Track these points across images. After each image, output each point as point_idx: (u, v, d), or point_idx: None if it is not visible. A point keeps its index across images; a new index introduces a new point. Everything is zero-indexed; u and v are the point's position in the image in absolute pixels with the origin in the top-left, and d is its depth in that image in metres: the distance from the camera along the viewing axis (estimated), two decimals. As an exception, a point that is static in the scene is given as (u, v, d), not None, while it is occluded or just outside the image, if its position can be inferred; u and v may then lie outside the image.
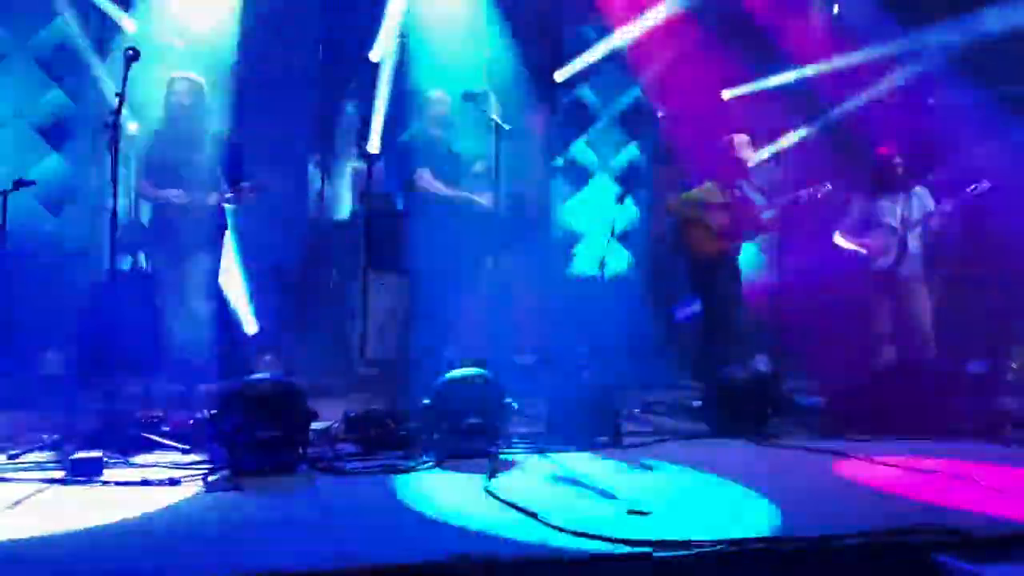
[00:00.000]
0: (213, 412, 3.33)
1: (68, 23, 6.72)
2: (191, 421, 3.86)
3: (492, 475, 3.18)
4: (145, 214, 5.91)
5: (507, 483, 3.12)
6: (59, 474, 3.11)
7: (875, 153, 6.18)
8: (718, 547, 2.30)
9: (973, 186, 5.85)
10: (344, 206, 7.83)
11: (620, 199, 5.79)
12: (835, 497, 3.14)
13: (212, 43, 7.22)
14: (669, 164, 8.51)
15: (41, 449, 3.51)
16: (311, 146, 7.79)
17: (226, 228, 5.08)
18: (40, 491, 2.92)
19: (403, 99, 7.63)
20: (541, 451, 3.83)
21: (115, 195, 3.89)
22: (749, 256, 6.22)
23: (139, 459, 3.42)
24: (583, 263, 7.94)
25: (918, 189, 6.09)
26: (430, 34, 7.26)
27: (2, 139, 6.69)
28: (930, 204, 6.01)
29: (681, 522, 2.62)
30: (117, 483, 3.04)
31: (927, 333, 5.93)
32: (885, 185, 6.06)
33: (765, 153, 8.04)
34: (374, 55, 7.66)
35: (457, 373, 3.82)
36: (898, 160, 6.04)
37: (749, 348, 6.05)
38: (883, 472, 3.50)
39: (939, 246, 6.04)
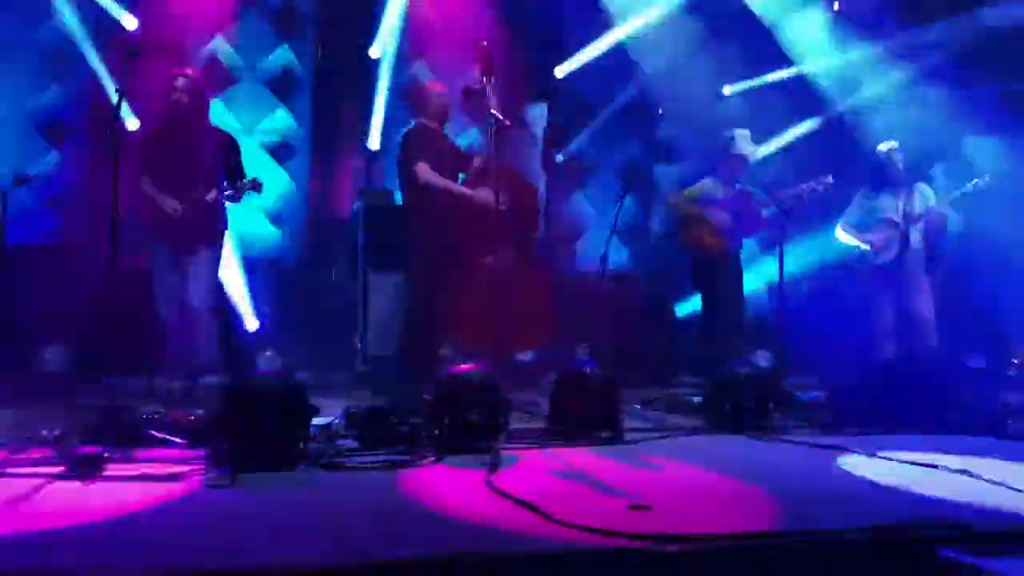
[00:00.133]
0: (214, 408, 3.32)
1: (68, 20, 6.73)
2: (192, 417, 3.85)
3: (493, 470, 3.17)
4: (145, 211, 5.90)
5: (508, 478, 3.12)
6: (60, 469, 3.10)
7: (876, 148, 6.18)
8: (719, 541, 2.30)
9: (974, 180, 5.85)
10: (344, 203, 7.84)
11: (621, 195, 5.77)
12: (836, 492, 3.14)
13: (212, 39, 7.23)
14: (669, 161, 8.52)
15: (42, 444, 3.50)
16: (311, 143, 7.79)
17: (226, 224, 5.08)
18: (41, 486, 2.91)
19: (403, 95, 7.65)
20: (542, 446, 3.83)
21: (114, 192, 3.89)
22: (750, 252, 6.22)
23: (140, 454, 3.41)
24: (584, 259, 7.95)
25: (919, 184, 6.09)
26: (430, 30, 7.27)
27: (2, 136, 6.69)
28: (931, 199, 6.01)
29: (682, 517, 2.62)
30: (118, 478, 3.03)
31: (929, 328, 5.93)
32: (886, 180, 6.06)
33: (767, 149, 8.04)
34: (374, 51, 7.66)
35: (458, 369, 3.81)
36: (899, 155, 6.04)
37: (750, 343, 6.06)
38: (885, 467, 3.50)
39: (940, 241, 6.03)
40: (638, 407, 5.14)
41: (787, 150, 8.21)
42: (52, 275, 5.90)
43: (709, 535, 2.33)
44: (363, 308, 6.13)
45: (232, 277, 6.54)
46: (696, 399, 4.95)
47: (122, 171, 3.98)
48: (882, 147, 6.12)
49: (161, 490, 2.89)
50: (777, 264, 5.37)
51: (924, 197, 6.02)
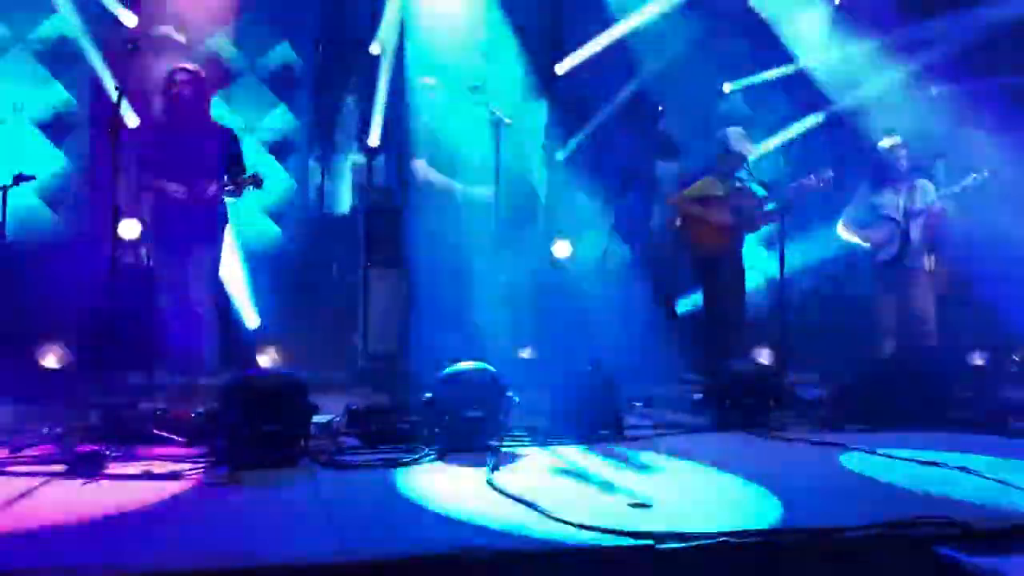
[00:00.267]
0: (214, 406, 3.32)
1: (67, 17, 6.72)
2: (192, 415, 3.85)
3: (494, 468, 3.18)
4: (146, 207, 5.90)
5: (509, 476, 3.12)
6: (60, 467, 3.10)
7: (877, 144, 6.17)
8: (719, 539, 2.30)
9: (974, 176, 5.84)
10: (344, 200, 7.84)
11: (621, 192, 5.77)
12: (836, 489, 3.14)
13: (211, 36, 7.23)
14: (670, 157, 8.51)
15: (42, 442, 3.51)
16: (311, 140, 7.79)
17: (227, 221, 5.07)
18: (42, 484, 2.91)
19: (403, 93, 7.64)
20: (543, 444, 3.83)
21: (115, 189, 3.89)
22: (751, 249, 6.22)
23: (140, 452, 3.42)
24: (584, 256, 7.94)
25: (920, 180, 6.08)
26: (429, 27, 7.25)
27: (2, 134, 6.69)
28: (932, 195, 6.00)
29: (682, 514, 2.62)
30: (118, 476, 3.03)
31: (930, 325, 5.92)
32: (888, 176, 6.05)
33: (768, 146, 8.04)
34: (374, 49, 7.65)
35: (458, 366, 3.81)
36: (901, 152, 6.03)
37: (750, 341, 6.06)
38: (885, 464, 3.50)
39: (941, 237, 6.03)
40: (639, 404, 5.15)
41: (788, 147, 8.21)
42: (52, 273, 5.89)
43: (709, 533, 2.33)
44: (364, 305, 6.13)
45: (233, 274, 6.54)
46: (697, 396, 4.95)
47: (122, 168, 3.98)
48: (883, 143, 6.11)
49: (162, 488, 2.89)
50: (777, 261, 5.37)
51: (925, 193, 6.01)
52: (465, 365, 3.82)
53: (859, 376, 5.00)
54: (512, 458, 3.53)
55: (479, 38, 7.16)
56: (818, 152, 7.80)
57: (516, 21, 7.50)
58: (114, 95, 3.95)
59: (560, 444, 3.84)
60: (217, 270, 5.04)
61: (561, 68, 8.11)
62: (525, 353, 6.48)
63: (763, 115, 8.42)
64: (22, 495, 2.77)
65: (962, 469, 3.26)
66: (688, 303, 7.07)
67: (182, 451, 3.47)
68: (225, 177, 4.81)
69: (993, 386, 5.93)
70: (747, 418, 4.37)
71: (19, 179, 5.27)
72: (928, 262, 5.98)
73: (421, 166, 5.15)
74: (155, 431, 3.64)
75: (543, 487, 2.95)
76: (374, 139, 7.63)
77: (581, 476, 3.24)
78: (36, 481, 2.95)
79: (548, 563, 2.24)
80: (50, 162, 6.85)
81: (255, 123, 7.59)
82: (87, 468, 3.06)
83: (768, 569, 2.32)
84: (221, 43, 7.42)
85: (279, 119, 7.71)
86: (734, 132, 5.86)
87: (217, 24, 7.34)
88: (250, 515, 2.64)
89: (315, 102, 7.80)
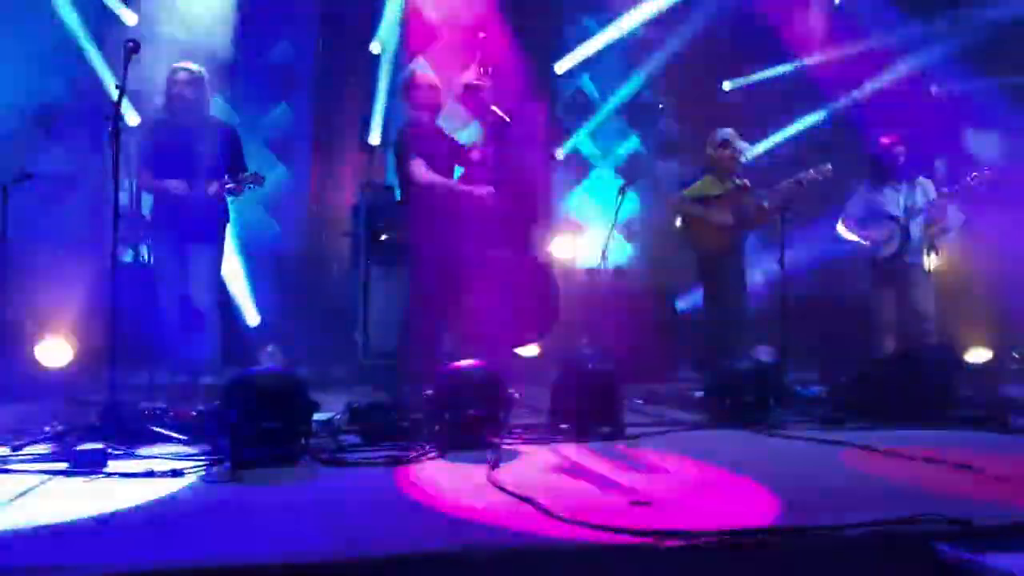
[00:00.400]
0: (215, 404, 3.33)
1: (67, 15, 6.72)
2: (194, 412, 3.86)
3: (494, 465, 3.18)
4: (146, 205, 5.91)
5: (509, 473, 3.12)
6: (62, 465, 3.11)
7: (878, 143, 6.17)
8: (719, 537, 2.31)
9: (975, 174, 5.84)
10: (345, 197, 7.84)
11: (621, 190, 5.77)
12: (836, 487, 3.14)
13: (212, 34, 7.22)
14: (669, 156, 8.51)
15: (44, 441, 3.51)
16: (312, 138, 7.79)
17: (227, 219, 5.08)
18: (43, 483, 2.92)
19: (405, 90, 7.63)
20: (543, 441, 3.84)
21: (116, 187, 3.89)
22: (752, 246, 6.22)
23: (142, 450, 3.42)
24: (585, 254, 7.95)
25: (921, 179, 6.08)
26: (429, 24, 7.25)
27: (2, 131, 6.69)
28: (932, 193, 6.00)
29: (683, 512, 2.62)
30: (120, 475, 3.04)
31: (930, 322, 5.93)
32: (888, 175, 6.06)
33: (767, 144, 8.04)
34: (374, 47, 7.65)
35: (459, 364, 3.82)
36: (901, 149, 6.03)
37: (751, 338, 6.05)
38: (884, 461, 3.50)
39: (941, 235, 6.03)
40: (639, 402, 5.15)
41: (788, 145, 8.21)
42: (53, 270, 5.90)
43: (709, 531, 2.33)
44: (364, 303, 6.14)
45: (233, 272, 6.54)
46: (697, 394, 4.96)
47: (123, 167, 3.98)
48: (883, 141, 6.11)
49: (163, 486, 2.90)
50: (778, 259, 5.37)
51: (925, 191, 6.01)
52: (465, 363, 3.82)
53: (859, 374, 5.01)
54: (512, 455, 3.53)
55: (479, 35, 7.15)
56: (818, 150, 7.79)
57: (516, 20, 7.50)
58: (114, 94, 3.94)
59: (560, 442, 3.84)
60: (218, 268, 5.05)
61: (562, 66, 8.11)
62: (525, 351, 6.48)
63: (763, 113, 8.42)
64: (23, 493, 2.78)
65: (962, 466, 3.26)
66: (689, 301, 7.07)
67: (183, 449, 3.47)
68: (226, 175, 4.81)
69: (993, 383, 5.94)
70: (748, 415, 4.37)
71: (19, 177, 5.28)
72: (928, 260, 5.98)
73: (419, 165, 5.13)
74: (156, 429, 3.64)
75: (543, 484, 2.95)
76: (374, 137, 7.63)
77: (581, 473, 3.25)
78: (37, 479, 2.96)
79: (548, 560, 2.24)
80: (51, 161, 6.85)
81: (256, 121, 7.59)
82: (88, 466, 3.07)
83: (768, 567, 2.32)
84: (222, 41, 7.41)
85: (280, 117, 7.71)
86: (727, 132, 5.86)
87: (218, 22, 7.33)
88: (251, 513, 2.65)
89: (316, 100, 7.80)
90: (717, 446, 3.87)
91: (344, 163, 7.80)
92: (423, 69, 7.56)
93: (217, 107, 5.62)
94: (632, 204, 8.23)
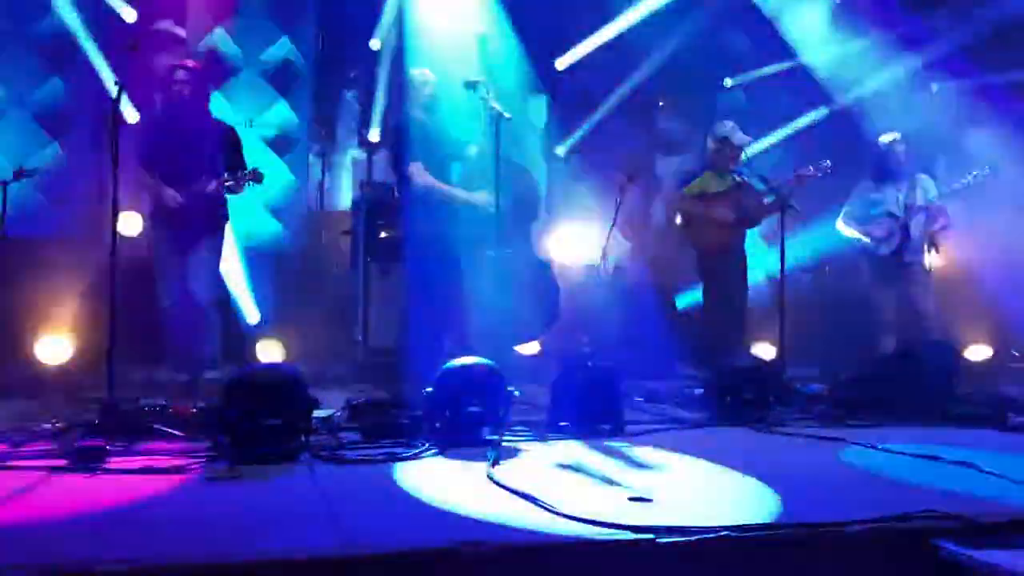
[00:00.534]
0: (215, 401, 3.33)
1: (67, 13, 6.71)
2: (193, 409, 3.86)
3: (494, 462, 3.18)
4: (145, 203, 5.90)
5: (509, 471, 3.12)
6: (62, 462, 3.11)
7: (878, 140, 6.17)
8: (719, 534, 2.31)
9: (975, 172, 5.84)
10: (344, 195, 7.83)
11: (621, 188, 5.76)
12: (836, 484, 3.15)
13: (212, 31, 7.22)
14: (669, 153, 8.51)
15: (44, 437, 3.51)
16: (311, 135, 7.78)
17: (227, 217, 5.07)
18: (43, 479, 2.92)
19: (402, 88, 7.63)
20: (543, 439, 3.84)
21: (115, 184, 3.89)
22: (752, 243, 6.21)
23: (142, 447, 3.42)
24: (585, 252, 7.94)
25: (920, 176, 6.07)
26: (429, 22, 7.24)
27: (2, 129, 6.69)
28: (933, 191, 6.00)
29: (682, 509, 2.62)
30: (120, 471, 3.04)
31: (930, 320, 5.92)
32: (888, 172, 6.05)
33: (768, 141, 8.03)
34: (374, 44, 7.64)
35: (459, 361, 3.82)
36: (901, 147, 6.03)
37: (751, 336, 6.05)
38: (884, 459, 3.50)
39: (941, 232, 6.02)
40: (639, 400, 5.15)
41: (789, 142, 8.20)
42: (52, 267, 5.89)
43: (709, 528, 2.33)
44: (364, 300, 6.13)
45: (233, 270, 6.54)
46: (697, 392, 4.95)
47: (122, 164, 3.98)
48: (883, 139, 6.11)
49: (163, 483, 2.90)
50: (778, 256, 5.37)
51: (925, 189, 6.01)
52: (465, 360, 3.82)
53: (859, 371, 5.01)
54: (512, 453, 3.54)
55: (479, 32, 7.15)
56: (818, 148, 7.78)
57: (516, 16, 7.49)
58: (114, 91, 3.94)
59: (560, 439, 3.84)
60: (217, 265, 5.04)
61: (562, 63, 8.10)
62: (525, 348, 6.48)
63: (764, 110, 8.40)
64: (23, 490, 2.78)
65: (962, 463, 3.27)
66: (689, 298, 7.07)
67: (183, 446, 3.47)
68: (225, 173, 4.80)
69: (993, 381, 5.94)
70: (748, 413, 4.37)
71: (19, 174, 5.28)
72: (928, 258, 5.98)
73: (418, 169, 5.11)
74: (156, 426, 3.64)
75: (543, 482, 2.95)
76: (374, 134, 7.62)
77: (581, 471, 3.25)
78: (37, 476, 2.96)
79: (548, 557, 2.24)
80: (50, 157, 6.85)
81: (255, 118, 7.58)
82: (88, 463, 3.07)
83: (768, 564, 2.33)
84: (221, 38, 7.41)
85: (279, 114, 7.70)
86: (727, 126, 5.84)
87: (217, 19, 7.33)
88: (250, 509, 2.65)
89: (315, 97, 7.79)
90: (717, 444, 3.87)
91: (344, 160, 7.79)
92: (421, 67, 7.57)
93: (216, 104, 5.61)
94: (632, 202, 8.21)
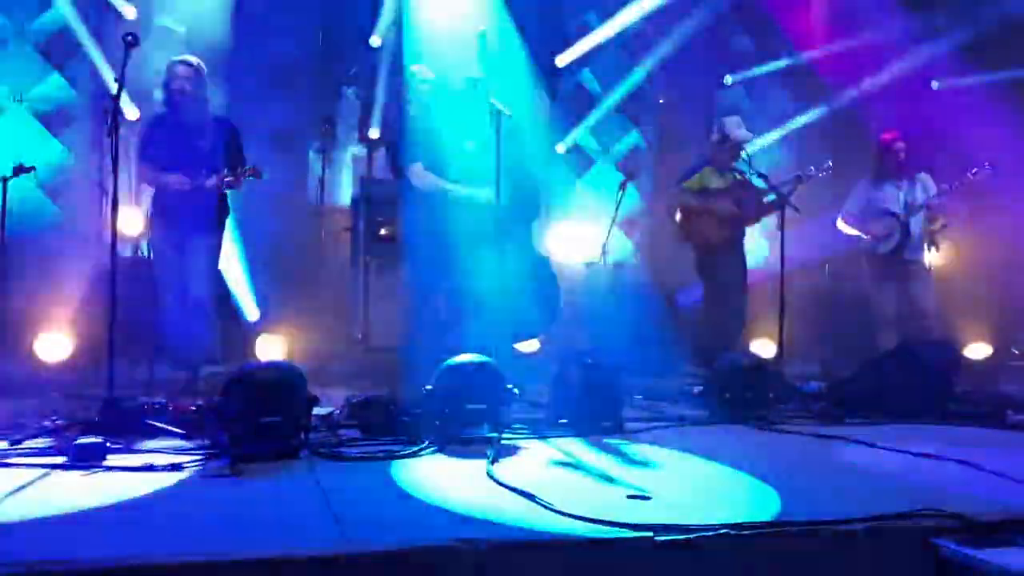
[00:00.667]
0: (215, 398, 3.32)
1: (67, 9, 6.69)
2: (193, 407, 3.86)
3: (493, 460, 3.18)
4: (145, 199, 5.89)
5: (508, 468, 3.12)
6: (61, 459, 3.11)
7: (878, 138, 6.16)
8: (718, 532, 2.31)
9: (975, 170, 5.83)
10: (345, 192, 7.82)
11: (622, 186, 5.76)
12: (835, 482, 3.15)
13: (211, 27, 7.20)
14: (670, 151, 8.49)
15: (43, 435, 3.51)
16: (312, 132, 7.77)
17: (227, 213, 5.07)
18: (41, 476, 2.92)
19: (402, 85, 7.61)
20: (542, 437, 3.84)
21: (115, 181, 3.88)
22: (752, 240, 6.21)
23: (141, 445, 3.42)
24: (585, 250, 7.93)
25: (921, 174, 6.07)
26: (429, 19, 7.22)
27: (2, 125, 6.68)
28: (932, 189, 6.00)
29: (681, 507, 2.62)
30: (119, 469, 3.04)
31: (930, 318, 5.92)
32: (888, 170, 6.05)
33: (769, 138, 8.02)
34: (374, 41, 7.63)
35: (458, 359, 3.82)
36: (901, 145, 6.02)
37: (750, 334, 6.05)
38: (883, 457, 3.50)
39: (941, 230, 6.02)
40: (639, 397, 5.15)
41: (789, 140, 8.19)
42: (52, 264, 5.89)
43: (708, 525, 2.33)
44: (364, 297, 6.13)
45: (232, 266, 6.53)
46: (697, 389, 4.95)
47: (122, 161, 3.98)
48: (884, 137, 6.10)
49: (162, 480, 2.90)
50: (778, 253, 5.36)
51: (925, 187, 6.01)
52: (465, 358, 3.82)
53: (859, 369, 5.00)
54: (512, 450, 3.54)
55: (479, 30, 7.13)
56: (819, 145, 7.78)
57: (517, 13, 7.47)
58: (113, 87, 3.93)
59: (559, 437, 3.85)
60: (217, 262, 5.04)
61: (562, 60, 8.09)
62: (525, 346, 6.48)
63: (764, 108, 8.40)
64: (22, 487, 2.78)
65: (961, 462, 3.27)
66: (688, 296, 7.07)
67: (182, 443, 3.47)
68: (225, 169, 4.80)
69: (993, 379, 5.94)
70: (747, 411, 4.37)
71: (19, 170, 5.28)
72: (928, 256, 5.98)
73: (418, 170, 5.10)
74: (155, 423, 3.64)
75: (542, 479, 2.96)
76: (374, 131, 7.62)
77: (580, 468, 3.25)
78: (36, 473, 2.95)
79: (547, 555, 2.25)
80: (50, 154, 6.84)
81: (255, 115, 7.56)
82: (87, 460, 3.07)
83: (767, 561, 2.33)
84: (221, 35, 7.39)
85: (279, 110, 7.68)
86: (730, 121, 5.83)
87: (217, 16, 7.31)
88: (250, 507, 2.65)
89: (315, 94, 7.77)
90: (716, 441, 3.87)
91: (344, 157, 7.78)
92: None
93: (216, 100, 5.60)
94: (632, 199, 8.21)
